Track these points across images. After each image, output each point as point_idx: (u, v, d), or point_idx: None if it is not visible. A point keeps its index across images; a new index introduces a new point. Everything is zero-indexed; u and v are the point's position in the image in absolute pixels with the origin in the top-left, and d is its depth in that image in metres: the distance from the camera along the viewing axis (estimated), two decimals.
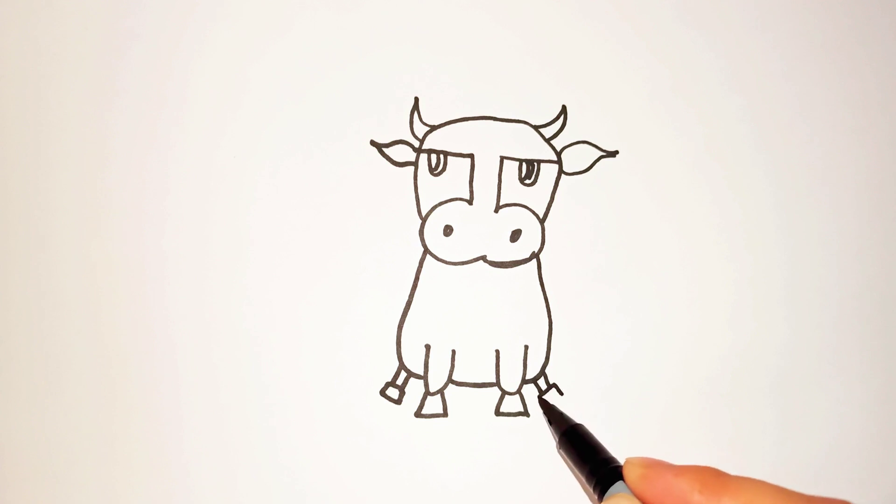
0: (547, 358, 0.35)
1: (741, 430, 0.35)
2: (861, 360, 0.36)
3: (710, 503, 0.27)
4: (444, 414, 0.34)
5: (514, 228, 0.35)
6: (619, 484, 0.29)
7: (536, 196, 0.35)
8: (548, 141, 0.35)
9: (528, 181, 0.35)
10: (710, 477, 0.27)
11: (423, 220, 0.34)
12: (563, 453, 0.33)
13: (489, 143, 0.35)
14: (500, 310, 0.35)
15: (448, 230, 0.34)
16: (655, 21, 0.36)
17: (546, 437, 0.34)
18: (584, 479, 0.31)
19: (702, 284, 0.35)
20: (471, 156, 0.35)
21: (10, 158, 0.34)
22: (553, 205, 0.35)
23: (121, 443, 0.33)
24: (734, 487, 0.27)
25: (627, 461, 0.29)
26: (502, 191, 0.35)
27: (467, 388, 0.34)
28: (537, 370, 0.34)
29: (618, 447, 0.34)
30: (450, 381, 0.34)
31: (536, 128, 0.35)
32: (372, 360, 0.34)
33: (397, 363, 0.34)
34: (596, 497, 0.30)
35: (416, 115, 0.35)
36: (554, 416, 0.33)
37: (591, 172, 0.35)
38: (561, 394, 0.34)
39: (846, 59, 0.37)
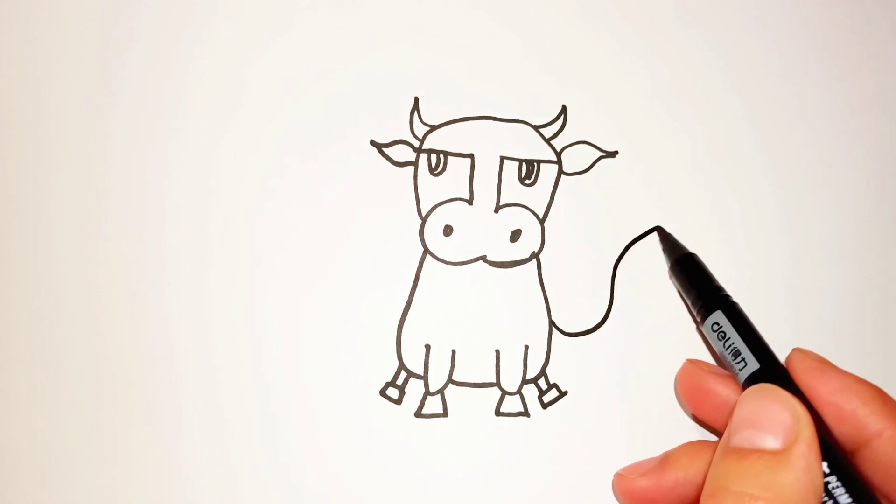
0: (547, 358, 0.35)
1: None
2: (860, 360, 0.36)
3: (878, 420, 0.26)
4: (444, 414, 0.34)
5: (514, 228, 0.35)
6: (717, 314, 0.30)
7: (536, 196, 0.35)
8: (548, 141, 0.35)
9: (528, 181, 0.35)
10: (889, 399, 0.27)
11: (423, 220, 0.34)
12: (674, 279, 0.34)
13: (489, 143, 0.35)
14: (500, 310, 0.35)
15: (448, 230, 0.34)
16: (655, 21, 0.36)
17: (547, 437, 0.34)
18: (689, 304, 0.33)
19: None
20: (471, 156, 0.35)
21: (10, 158, 0.34)
22: (553, 205, 0.35)
23: (121, 443, 0.33)
24: None
25: (799, 350, 0.29)
26: (502, 191, 0.35)
27: (467, 388, 0.34)
28: (537, 370, 0.34)
29: (617, 447, 0.34)
30: (450, 381, 0.34)
31: (536, 128, 0.35)
32: (372, 360, 0.34)
33: (397, 363, 0.34)
34: (699, 319, 0.32)
35: (416, 115, 0.35)
36: (668, 244, 0.34)
37: (591, 172, 0.35)
38: (561, 394, 0.34)
39: (846, 59, 0.37)
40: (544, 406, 0.34)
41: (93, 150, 0.34)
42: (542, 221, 0.35)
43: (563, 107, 0.35)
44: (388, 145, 0.35)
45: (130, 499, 0.33)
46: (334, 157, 0.34)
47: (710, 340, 0.31)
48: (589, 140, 0.35)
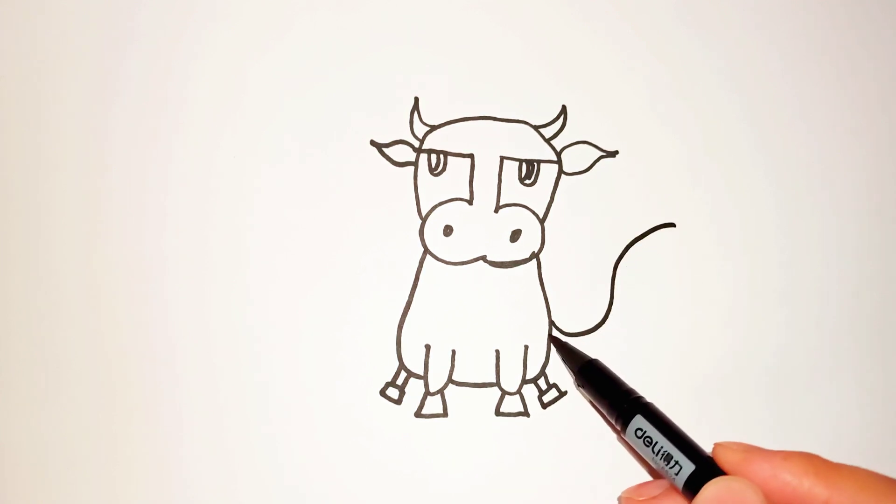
0: (547, 358, 0.35)
1: (738, 430, 0.35)
2: (858, 360, 0.36)
3: (821, 488, 0.26)
4: (444, 414, 0.34)
5: (514, 228, 0.35)
6: (637, 418, 0.30)
7: (536, 196, 0.35)
8: (548, 141, 0.35)
9: (528, 181, 0.35)
10: (820, 463, 0.27)
11: (423, 220, 0.34)
12: (581, 390, 0.34)
13: (489, 143, 0.35)
14: (500, 310, 0.35)
15: (448, 230, 0.34)
16: (655, 21, 0.36)
17: (547, 437, 0.34)
18: (605, 413, 0.32)
19: (700, 285, 0.35)
20: (471, 156, 0.35)
21: (11, 158, 0.34)
22: (553, 205, 0.35)
23: (120, 443, 0.33)
24: (845, 474, 0.27)
25: (722, 446, 0.29)
26: (502, 191, 0.35)
27: (467, 388, 0.34)
28: (537, 370, 0.34)
29: (617, 447, 0.34)
30: (450, 381, 0.34)
31: (536, 128, 0.35)
32: (372, 360, 0.34)
33: (397, 363, 0.34)
34: (619, 429, 0.31)
35: (416, 115, 0.35)
36: (567, 354, 0.34)
37: (591, 172, 0.35)
38: (561, 394, 0.34)
39: (846, 59, 0.37)
40: (544, 406, 0.34)
41: (93, 149, 0.34)
42: (542, 221, 0.35)
43: (563, 107, 0.35)
44: (388, 145, 0.35)
45: (130, 499, 0.33)
46: (334, 157, 0.34)
47: (635, 448, 0.31)
48: (589, 140, 0.35)
